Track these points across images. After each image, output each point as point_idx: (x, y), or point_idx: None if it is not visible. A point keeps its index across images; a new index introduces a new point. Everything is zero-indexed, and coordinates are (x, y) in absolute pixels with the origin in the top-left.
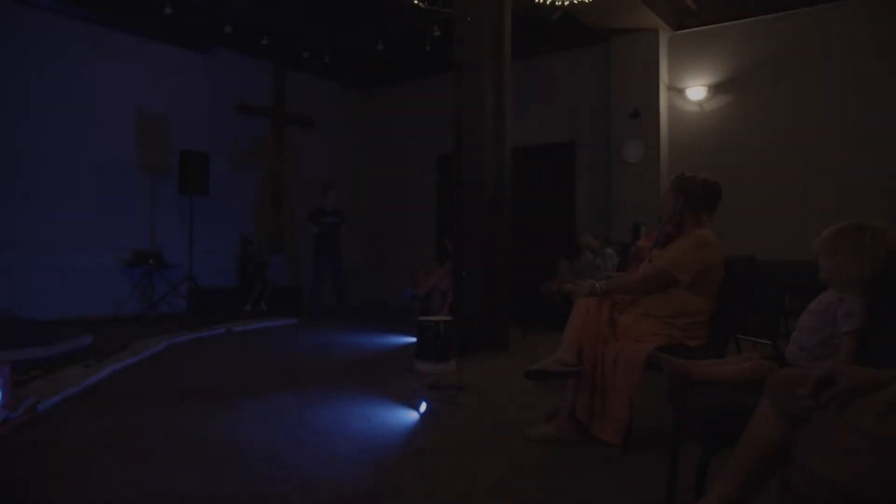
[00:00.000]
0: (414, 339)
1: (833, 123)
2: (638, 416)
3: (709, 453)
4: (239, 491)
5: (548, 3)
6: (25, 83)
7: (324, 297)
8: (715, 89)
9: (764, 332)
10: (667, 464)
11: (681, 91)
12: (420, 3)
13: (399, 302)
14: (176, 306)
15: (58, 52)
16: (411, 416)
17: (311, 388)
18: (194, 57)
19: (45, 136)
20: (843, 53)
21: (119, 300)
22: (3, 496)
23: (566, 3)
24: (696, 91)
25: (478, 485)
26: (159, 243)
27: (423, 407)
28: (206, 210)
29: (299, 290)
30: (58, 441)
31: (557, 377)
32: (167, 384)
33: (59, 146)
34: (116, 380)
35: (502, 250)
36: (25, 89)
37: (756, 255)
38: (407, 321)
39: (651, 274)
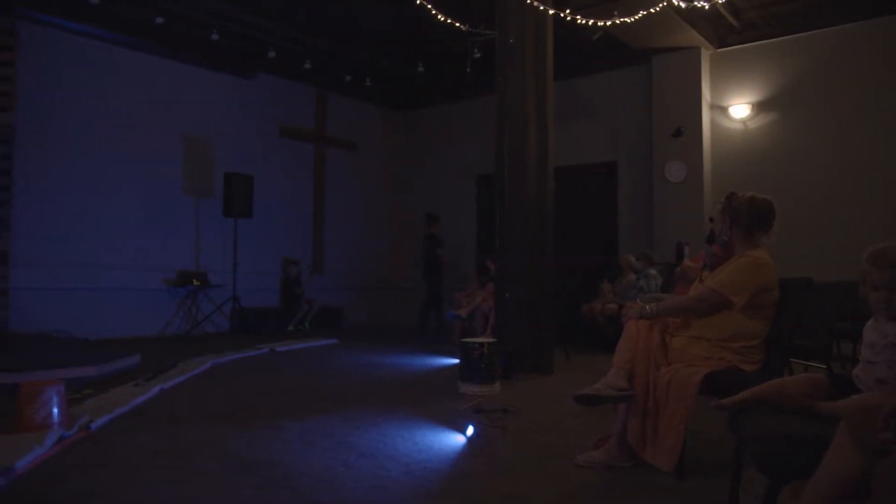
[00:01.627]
0: (455, 360)
1: (882, 139)
2: (692, 441)
3: (776, 485)
4: None
5: (590, 23)
6: (74, 110)
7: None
8: (759, 107)
9: (817, 356)
10: (727, 493)
11: (724, 109)
12: (462, 26)
13: (438, 321)
14: (220, 326)
15: (107, 79)
16: (458, 439)
17: (356, 410)
18: (239, 82)
19: (93, 160)
20: (889, 68)
21: (164, 320)
22: None
23: (608, 23)
24: (740, 109)
25: None
26: (204, 264)
27: (470, 430)
28: (250, 231)
29: (340, 311)
30: (109, 460)
31: (608, 402)
32: (213, 404)
33: (107, 170)
34: (164, 399)
35: (545, 272)
36: (74, 115)
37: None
38: (448, 342)
39: (702, 295)
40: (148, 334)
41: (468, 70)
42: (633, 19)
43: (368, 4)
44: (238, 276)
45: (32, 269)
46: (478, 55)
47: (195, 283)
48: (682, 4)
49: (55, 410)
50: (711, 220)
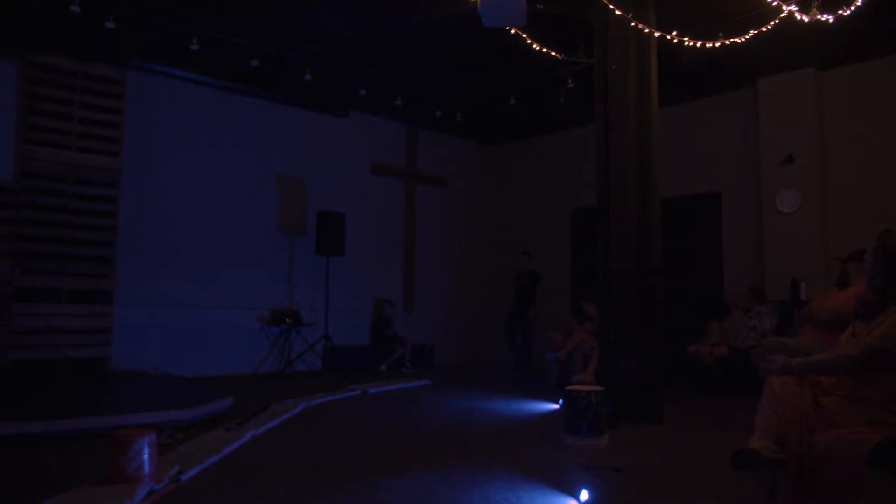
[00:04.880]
0: (552, 405)
1: None
2: None
3: None
4: None
5: (698, 45)
6: (175, 152)
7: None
8: (879, 129)
9: None
10: None
11: (839, 133)
12: (558, 55)
13: (534, 362)
14: (311, 364)
15: (206, 122)
16: None
17: (455, 466)
18: (331, 121)
19: (192, 200)
20: None
21: (258, 358)
22: None
23: (715, 44)
24: (857, 132)
25: None
26: (296, 302)
27: (584, 496)
28: (341, 269)
29: (431, 350)
30: None
31: (767, 466)
32: (306, 454)
33: (205, 210)
34: (255, 447)
35: (655, 311)
36: (175, 158)
37: None
38: (545, 385)
39: (861, 353)
40: (242, 372)
41: (561, 101)
42: (742, 39)
43: (458, 39)
44: (329, 313)
45: (133, 307)
46: (571, 85)
47: (287, 321)
48: (805, 19)
49: (146, 461)
50: (843, 260)
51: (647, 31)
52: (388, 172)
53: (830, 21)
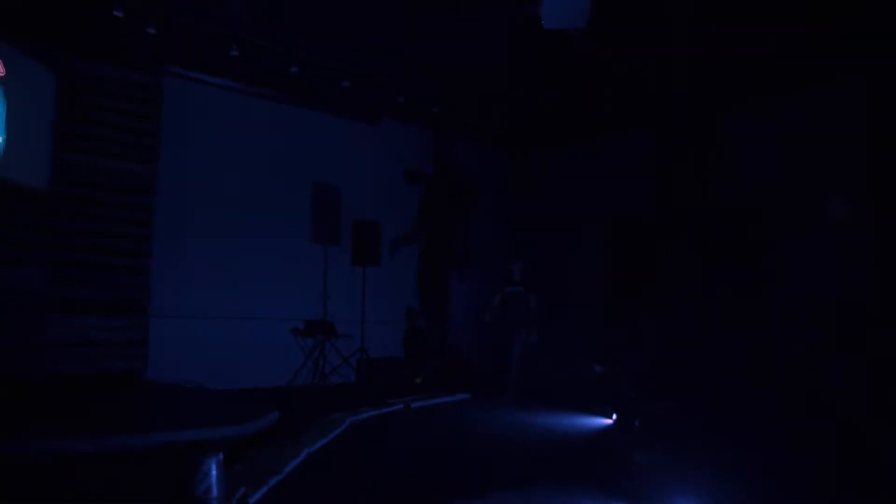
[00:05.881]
0: (606, 420)
1: None
2: None
3: None
4: None
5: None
6: (211, 160)
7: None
8: None
9: None
10: None
11: None
12: (611, 57)
13: (565, 374)
14: (346, 377)
15: (242, 130)
16: None
17: (532, 485)
18: (365, 128)
19: (227, 209)
20: None
21: (293, 370)
22: None
23: (768, 45)
24: None
25: None
26: (331, 314)
27: None
28: (375, 280)
29: (467, 362)
30: None
31: None
32: (368, 474)
33: (240, 219)
34: (314, 465)
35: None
36: (211, 166)
37: None
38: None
39: None
40: (277, 385)
41: (603, 108)
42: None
43: (496, 46)
44: (365, 325)
45: (167, 318)
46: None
47: (322, 333)
48: None
49: (215, 483)
50: None
51: (707, 26)
52: (421, 181)
53: None
